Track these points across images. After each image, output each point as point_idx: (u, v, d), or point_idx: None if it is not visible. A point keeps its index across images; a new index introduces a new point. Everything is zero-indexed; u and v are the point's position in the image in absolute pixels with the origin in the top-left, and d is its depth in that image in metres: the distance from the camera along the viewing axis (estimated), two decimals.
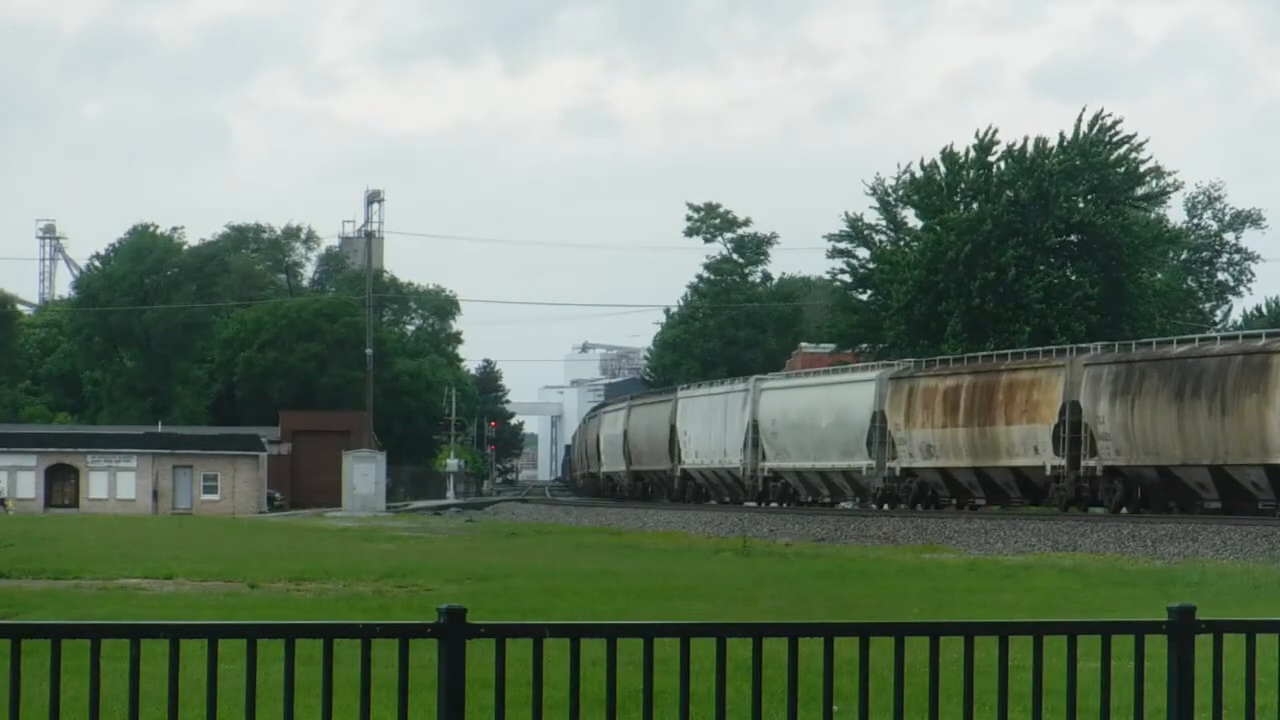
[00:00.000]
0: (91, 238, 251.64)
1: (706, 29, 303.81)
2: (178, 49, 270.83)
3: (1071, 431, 53.68)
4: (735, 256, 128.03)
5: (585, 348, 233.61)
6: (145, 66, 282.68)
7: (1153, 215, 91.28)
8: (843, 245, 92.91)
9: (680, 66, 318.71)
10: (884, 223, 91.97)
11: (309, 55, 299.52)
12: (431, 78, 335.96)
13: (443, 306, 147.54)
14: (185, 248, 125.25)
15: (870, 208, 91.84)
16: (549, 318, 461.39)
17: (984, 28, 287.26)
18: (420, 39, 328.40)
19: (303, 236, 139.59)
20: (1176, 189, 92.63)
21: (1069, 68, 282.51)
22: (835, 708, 6.98)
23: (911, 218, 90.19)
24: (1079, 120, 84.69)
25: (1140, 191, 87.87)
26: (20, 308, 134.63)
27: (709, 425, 76.82)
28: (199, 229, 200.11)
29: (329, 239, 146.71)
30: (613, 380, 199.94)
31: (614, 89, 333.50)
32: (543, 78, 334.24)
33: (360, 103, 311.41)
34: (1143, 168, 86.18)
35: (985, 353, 65.76)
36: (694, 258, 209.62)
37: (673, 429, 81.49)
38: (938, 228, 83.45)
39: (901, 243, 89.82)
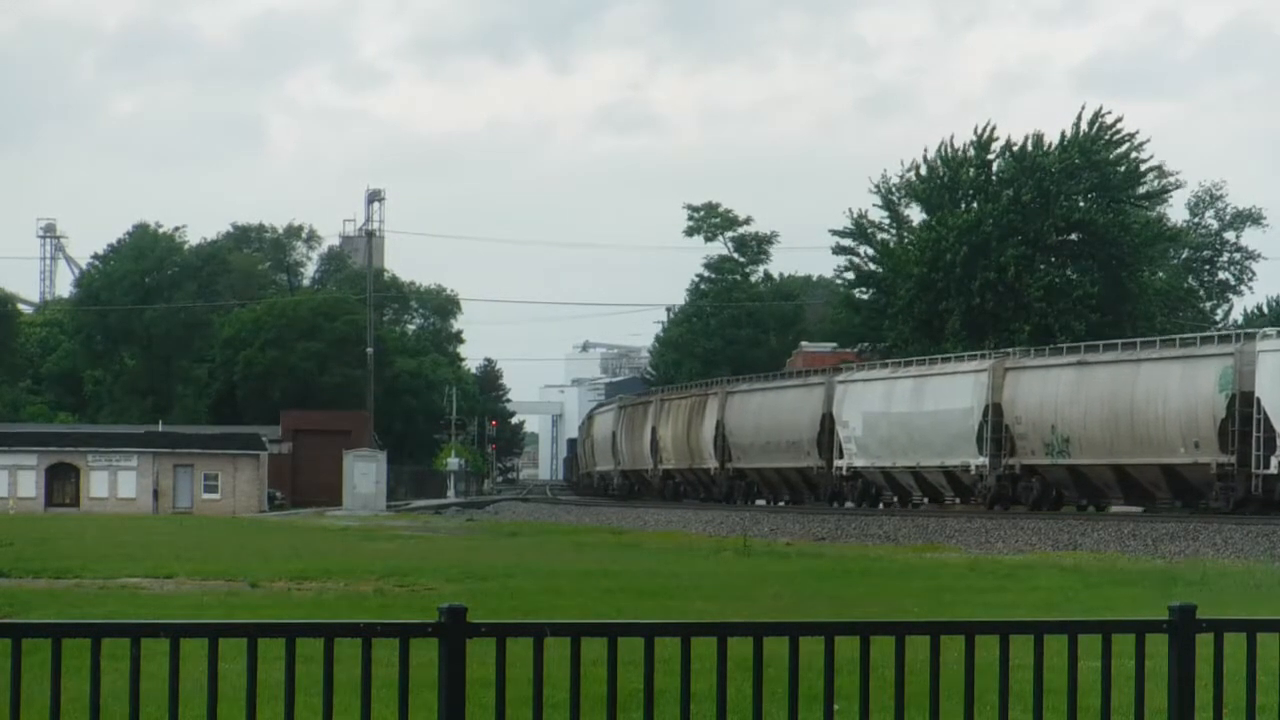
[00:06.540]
0: (97, 237, 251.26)
1: (754, 23, 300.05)
2: (206, 47, 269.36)
3: None
4: (736, 255, 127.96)
5: (586, 347, 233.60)
6: (173, 64, 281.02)
7: (1153, 214, 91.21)
8: (846, 243, 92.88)
9: (725, 62, 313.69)
10: (888, 220, 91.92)
11: (343, 52, 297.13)
12: (471, 75, 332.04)
13: (444, 306, 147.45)
14: (186, 247, 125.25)
15: (874, 205, 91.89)
16: (549, 317, 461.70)
17: (1033, 22, 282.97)
18: (463, 35, 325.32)
19: (304, 236, 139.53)
20: (1178, 188, 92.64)
21: (1116, 63, 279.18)
22: (836, 707, 6.98)
23: (916, 214, 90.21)
24: (1078, 118, 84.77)
25: (1141, 190, 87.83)
26: (21, 307, 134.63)
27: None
28: (214, 227, 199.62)
29: (331, 238, 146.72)
30: (614, 379, 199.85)
31: (655, 85, 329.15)
32: (585, 74, 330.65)
33: (394, 102, 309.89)
34: (1144, 166, 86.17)
35: None
36: (696, 257, 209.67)
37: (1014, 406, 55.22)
38: (937, 227, 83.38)
39: (905, 240, 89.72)
